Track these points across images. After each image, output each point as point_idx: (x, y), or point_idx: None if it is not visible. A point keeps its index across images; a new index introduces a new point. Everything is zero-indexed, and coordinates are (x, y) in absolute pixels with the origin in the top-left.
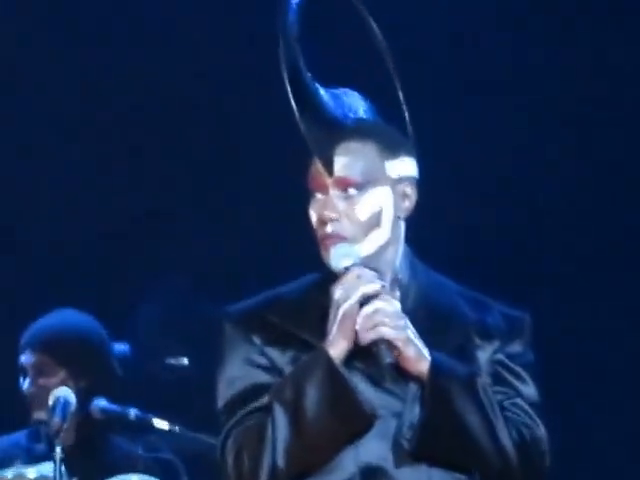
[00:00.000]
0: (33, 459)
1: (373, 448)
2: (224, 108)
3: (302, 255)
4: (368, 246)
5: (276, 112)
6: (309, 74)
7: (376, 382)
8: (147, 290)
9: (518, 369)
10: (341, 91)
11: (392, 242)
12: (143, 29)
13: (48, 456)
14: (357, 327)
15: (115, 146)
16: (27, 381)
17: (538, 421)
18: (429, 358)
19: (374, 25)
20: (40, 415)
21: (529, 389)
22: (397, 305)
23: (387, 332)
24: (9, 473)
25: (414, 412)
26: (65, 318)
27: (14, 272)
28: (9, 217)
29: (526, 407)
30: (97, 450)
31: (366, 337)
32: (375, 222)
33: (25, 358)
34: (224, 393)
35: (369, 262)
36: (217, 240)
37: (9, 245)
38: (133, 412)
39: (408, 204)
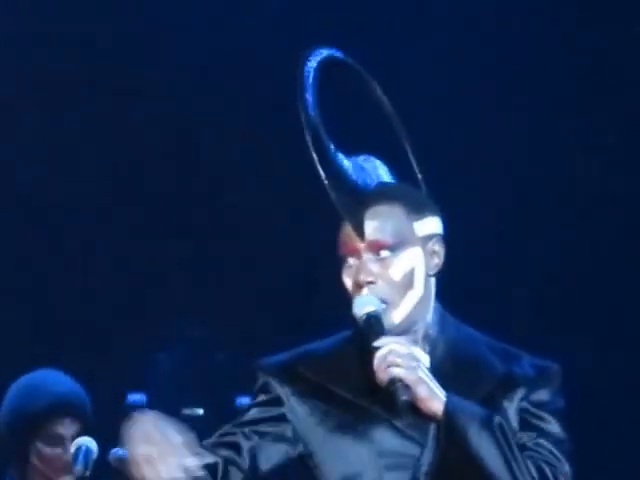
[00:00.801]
0: None
1: None
2: None
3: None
4: (405, 306)
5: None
6: (331, 143)
7: (399, 430)
8: (163, 341)
9: (544, 415)
10: (361, 158)
11: (424, 299)
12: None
13: None
14: (374, 368)
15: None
16: (66, 449)
17: (562, 459)
18: (444, 398)
19: (381, 92)
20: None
21: (553, 427)
22: (415, 350)
23: (399, 372)
24: None
25: (431, 456)
26: (69, 380)
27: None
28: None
29: (550, 446)
30: None
31: (381, 377)
32: (409, 282)
33: (65, 429)
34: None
35: (405, 321)
36: (231, 291)
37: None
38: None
39: (437, 261)
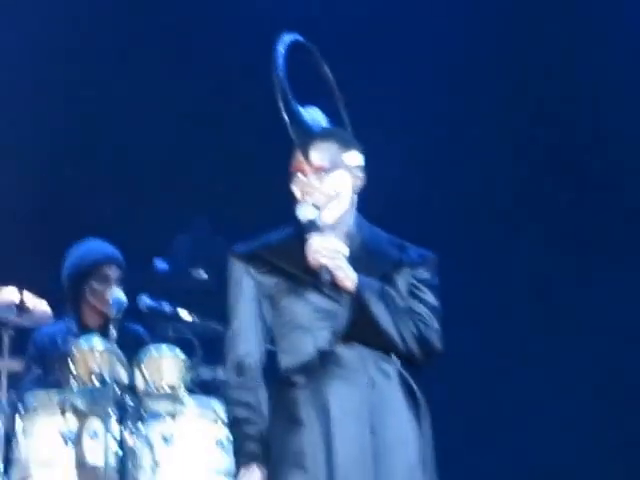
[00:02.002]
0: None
1: (324, 335)
2: None
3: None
4: (334, 211)
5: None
6: (293, 99)
7: (321, 291)
8: (181, 228)
9: (423, 288)
10: (309, 108)
11: (348, 208)
12: None
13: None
14: (308, 257)
15: None
16: (110, 287)
17: (435, 321)
18: (355, 279)
19: (327, 69)
20: None
21: (429, 298)
22: (338, 245)
23: (323, 260)
24: (82, 344)
25: (346, 314)
26: (111, 245)
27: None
28: None
29: (426, 310)
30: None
31: (312, 263)
32: (337, 194)
33: (112, 272)
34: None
35: (334, 221)
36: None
37: None
38: (166, 306)
39: (359, 183)
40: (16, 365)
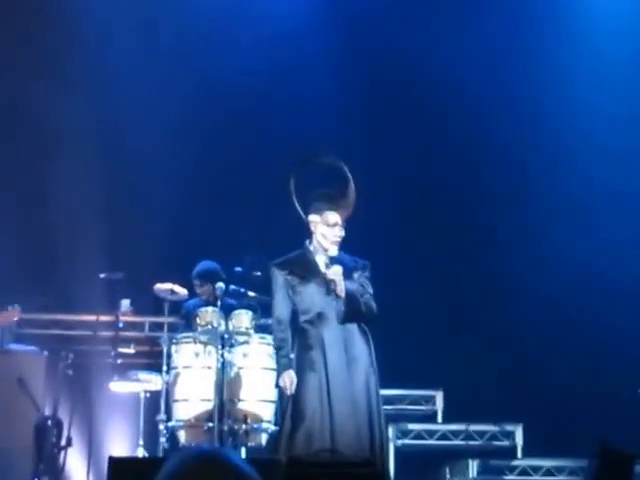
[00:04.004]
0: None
1: (324, 309)
2: None
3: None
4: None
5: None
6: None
7: (322, 288)
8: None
9: (366, 282)
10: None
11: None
12: None
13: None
14: (329, 275)
15: None
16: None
17: (372, 300)
18: (344, 288)
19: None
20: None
21: (370, 289)
22: (340, 271)
23: (336, 279)
24: (203, 309)
25: (342, 307)
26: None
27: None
28: None
29: (369, 295)
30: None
31: (330, 278)
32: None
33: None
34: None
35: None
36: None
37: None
38: (242, 290)
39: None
40: (172, 320)
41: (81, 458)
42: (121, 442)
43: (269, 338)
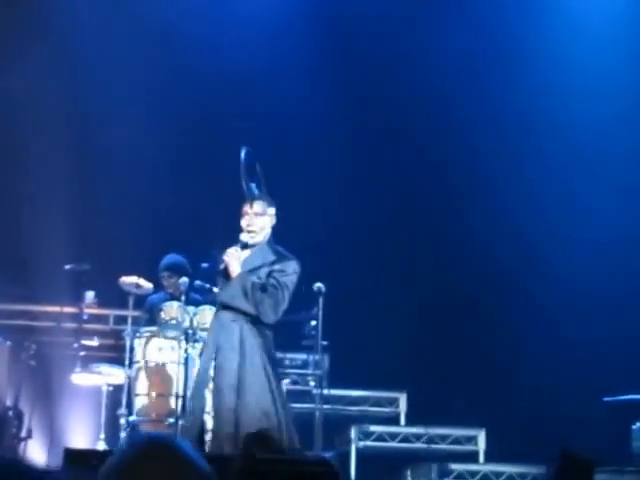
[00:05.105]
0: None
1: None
2: None
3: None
4: (259, 237)
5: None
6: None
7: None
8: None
9: (276, 275)
10: (253, 184)
11: (265, 237)
12: None
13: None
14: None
15: None
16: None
17: (281, 291)
18: (239, 272)
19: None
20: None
21: (279, 290)
22: (238, 252)
23: (227, 259)
24: (168, 304)
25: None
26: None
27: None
28: None
29: (276, 284)
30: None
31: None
32: (261, 230)
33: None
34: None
35: (254, 242)
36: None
37: None
38: (207, 285)
39: (273, 223)
40: (136, 314)
41: (41, 450)
42: (82, 435)
43: None
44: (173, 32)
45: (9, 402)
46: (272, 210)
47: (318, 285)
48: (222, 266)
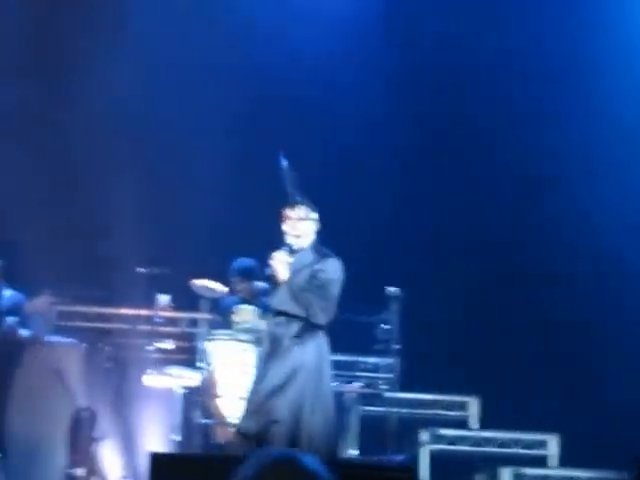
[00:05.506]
0: None
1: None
2: None
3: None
4: (304, 241)
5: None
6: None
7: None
8: None
9: (319, 275)
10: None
11: (310, 241)
12: None
13: None
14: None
15: None
16: None
17: (326, 291)
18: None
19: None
20: None
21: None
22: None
23: (274, 265)
24: (241, 307)
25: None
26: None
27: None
28: None
29: (320, 284)
30: None
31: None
32: (306, 233)
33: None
34: None
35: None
36: None
37: None
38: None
39: (317, 228)
40: (209, 317)
41: (115, 451)
42: (155, 437)
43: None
44: (241, 34)
45: (84, 404)
46: (315, 215)
47: (392, 289)
48: (269, 271)
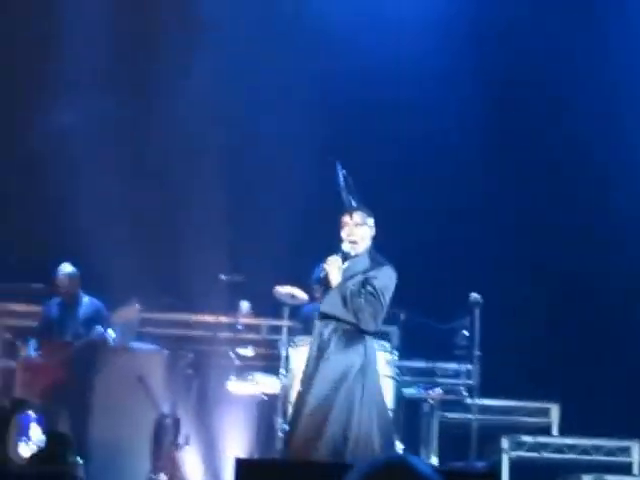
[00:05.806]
0: None
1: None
2: None
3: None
4: (360, 247)
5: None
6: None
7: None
8: None
9: (372, 281)
10: (351, 197)
11: (366, 247)
12: None
13: None
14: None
15: None
16: None
17: (378, 298)
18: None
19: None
20: None
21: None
22: (341, 264)
23: (327, 268)
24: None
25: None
26: None
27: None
28: None
29: (372, 291)
30: None
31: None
32: (363, 239)
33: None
34: None
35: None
36: None
37: None
38: None
39: (373, 233)
40: (290, 324)
41: (197, 457)
42: (237, 442)
43: (387, 345)
44: (319, 37)
45: (166, 410)
46: (371, 221)
47: (474, 295)
48: (322, 274)
